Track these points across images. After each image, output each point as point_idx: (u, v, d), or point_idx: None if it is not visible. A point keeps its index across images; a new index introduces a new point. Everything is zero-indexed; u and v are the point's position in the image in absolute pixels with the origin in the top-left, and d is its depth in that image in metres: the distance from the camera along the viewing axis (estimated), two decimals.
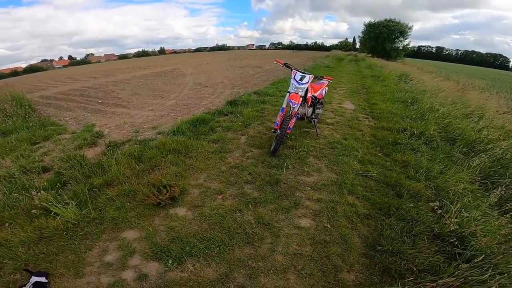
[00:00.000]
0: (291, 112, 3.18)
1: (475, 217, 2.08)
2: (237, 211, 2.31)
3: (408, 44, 33.46)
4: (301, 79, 3.24)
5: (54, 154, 3.56)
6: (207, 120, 4.44)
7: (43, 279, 1.61)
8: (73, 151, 3.41)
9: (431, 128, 4.14)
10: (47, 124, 5.02)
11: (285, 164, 3.03)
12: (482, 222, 2.03)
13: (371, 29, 34.23)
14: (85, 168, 2.91)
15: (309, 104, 3.66)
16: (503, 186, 2.51)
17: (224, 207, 2.36)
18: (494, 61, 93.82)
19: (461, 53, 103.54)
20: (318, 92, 3.82)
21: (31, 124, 4.89)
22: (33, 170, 3.04)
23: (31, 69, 70.81)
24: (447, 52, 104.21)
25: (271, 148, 3.30)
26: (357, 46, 58.66)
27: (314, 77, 3.48)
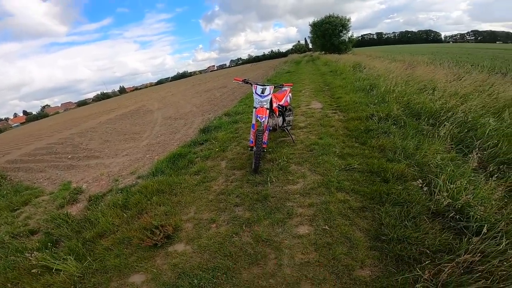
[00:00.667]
0: (262, 126, 3.23)
1: (464, 186, 2.03)
2: (234, 234, 2.28)
3: (352, 36, 36.16)
4: (262, 92, 3.30)
5: (37, 217, 3.48)
6: (184, 153, 4.37)
7: None
8: (56, 211, 3.37)
9: (394, 108, 4.41)
10: (22, 189, 4.76)
11: (268, 178, 3.04)
12: (472, 190, 1.98)
13: (316, 28, 36.57)
14: (73, 224, 2.89)
15: (277, 114, 3.75)
16: (476, 149, 2.55)
17: (220, 234, 2.32)
18: (428, 37, 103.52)
19: (397, 34, 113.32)
20: (283, 100, 3.91)
21: (5, 192, 4.68)
22: (21, 234, 3.00)
23: None
24: (386, 36, 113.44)
25: (252, 166, 3.30)
26: (310, 46, 62.04)
27: (275, 87, 3.55)
